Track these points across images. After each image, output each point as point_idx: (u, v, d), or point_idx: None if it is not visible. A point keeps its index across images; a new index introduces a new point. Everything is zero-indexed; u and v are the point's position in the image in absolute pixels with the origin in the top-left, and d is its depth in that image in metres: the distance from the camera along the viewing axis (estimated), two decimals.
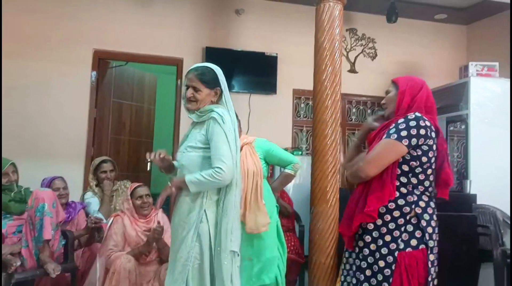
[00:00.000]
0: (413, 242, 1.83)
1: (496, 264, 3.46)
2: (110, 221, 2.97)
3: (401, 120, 1.89)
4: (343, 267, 2.07)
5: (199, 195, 2.01)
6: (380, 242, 1.85)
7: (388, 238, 1.84)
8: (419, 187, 1.89)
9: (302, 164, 2.96)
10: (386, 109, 2.06)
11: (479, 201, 3.84)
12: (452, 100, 4.64)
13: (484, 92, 4.40)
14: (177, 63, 4.91)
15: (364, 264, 1.89)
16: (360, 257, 1.92)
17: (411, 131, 1.84)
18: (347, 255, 2.06)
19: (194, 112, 2.11)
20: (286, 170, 2.83)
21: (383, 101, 2.10)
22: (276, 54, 5.14)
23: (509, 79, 4.51)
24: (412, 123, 1.85)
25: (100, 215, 3.46)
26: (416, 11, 5.42)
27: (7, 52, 4.27)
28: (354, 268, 1.98)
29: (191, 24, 5.01)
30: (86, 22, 4.68)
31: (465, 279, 3.48)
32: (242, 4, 5.11)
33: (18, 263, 2.73)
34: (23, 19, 4.49)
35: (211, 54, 4.84)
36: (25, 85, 4.44)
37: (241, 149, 2.54)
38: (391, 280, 1.79)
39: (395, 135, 1.85)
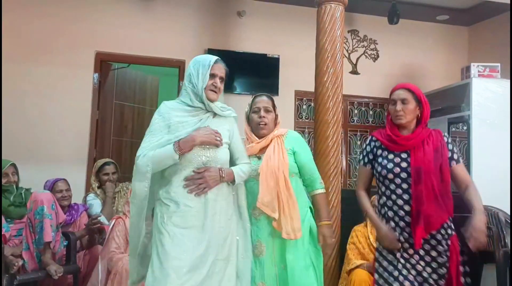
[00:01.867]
0: (453, 226, 2.18)
1: (498, 265, 3.44)
2: (112, 223, 2.97)
3: (449, 140, 2.21)
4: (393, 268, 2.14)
5: (231, 196, 2.08)
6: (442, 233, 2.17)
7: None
8: None
9: None
10: (403, 117, 2.16)
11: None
12: (454, 101, 4.64)
13: (486, 93, 4.39)
14: (179, 65, 4.92)
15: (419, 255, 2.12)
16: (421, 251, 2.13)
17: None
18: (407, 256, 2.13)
19: (214, 104, 2.05)
20: (318, 190, 2.36)
21: (399, 108, 2.15)
22: (278, 55, 5.15)
23: (509, 80, 4.50)
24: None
25: (102, 218, 3.47)
26: (417, 13, 5.42)
27: (10, 56, 4.29)
28: (402, 261, 2.12)
29: (193, 26, 5.02)
30: (88, 24, 4.69)
31: (467, 280, 3.46)
32: (244, 6, 5.12)
33: (20, 263, 2.73)
34: (25, 22, 4.51)
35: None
36: (27, 87, 4.45)
37: (270, 142, 2.35)
38: (446, 263, 2.11)
39: (460, 159, 2.22)
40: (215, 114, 2.07)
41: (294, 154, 2.35)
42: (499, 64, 4.53)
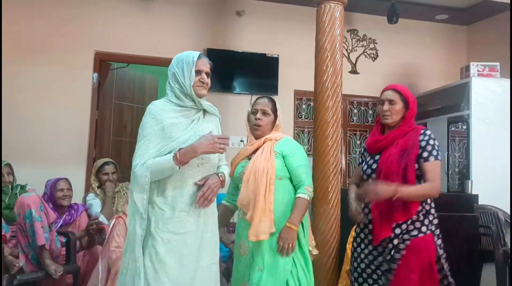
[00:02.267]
0: (423, 229, 2.12)
1: (498, 264, 3.46)
2: (112, 222, 2.97)
3: (430, 137, 2.16)
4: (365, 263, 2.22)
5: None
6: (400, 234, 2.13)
7: (405, 231, 2.13)
8: None
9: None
10: (389, 117, 2.21)
11: (481, 201, 3.83)
12: (453, 100, 4.64)
13: (485, 92, 4.40)
14: None
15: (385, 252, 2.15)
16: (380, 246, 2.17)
17: (437, 145, 2.19)
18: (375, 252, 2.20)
19: (203, 101, 2.02)
20: (298, 194, 2.30)
21: (386, 109, 2.20)
22: (277, 55, 5.15)
23: (509, 79, 4.51)
24: (435, 138, 2.18)
25: (102, 217, 3.47)
26: (417, 12, 5.42)
27: (9, 56, 4.28)
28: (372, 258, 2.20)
29: (192, 25, 5.02)
30: (87, 24, 4.69)
31: (467, 279, 3.47)
32: (243, 5, 5.12)
33: (21, 264, 2.72)
34: (24, 22, 4.50)
35: (213, 55, 4.84)
36: (26, 87, 4.45)
37: (261, 145, 2.35)
38: (398, 262, 2.09)
39: (439, 157, 2.15)
40: (204, 113, 2.04)
41: (283, 157, 2.33)
42: (498, 63, 4.53)
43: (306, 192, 2.29)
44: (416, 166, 2.13)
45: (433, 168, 2.11)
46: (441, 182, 2.12)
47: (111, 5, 4.79)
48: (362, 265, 2.22)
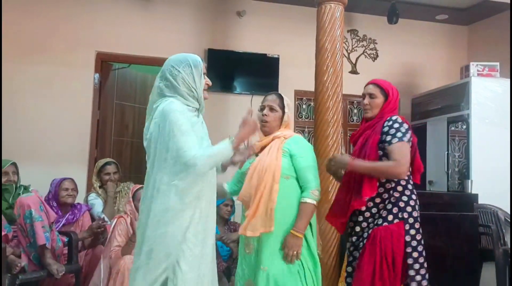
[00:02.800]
0: (389, 217, 2.07)
1: (498, 263, 3.47)
2: (114, 222, 2.99)
3: (393, 121, 2.12)
4: (348, 253, 2.28)
5: None
6: (365, 224, 2.15)
7: (370, 219, 2.13)
8: None
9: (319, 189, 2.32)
10: (369, 111, 2.24)
11: (481, 200, 3.85)
12: (453, 100, 4.66)
13: (485, 92, 4.41)
14: None
15: (357, 241, 2.18)
16: (354, 235, 2.20)
17: (406, 128, 2.12)
18: (350, 241, 2.26)
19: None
20: (303, 198, 2.23)
21: (366, 102, 2.23)
22: (278, 55, 5.16)
23: (509, 79, 4.52)
24: (403, 123, 2.13)
25: (103, 217, 3.48)
26: (417, 12, 5.43)
27: (10, 56, 4.30)
28: (352, 248, 2.24)
29: (193, 26, 5.03)
30: (88, 25, 4.70)
31: (466, 278, 3.48)
32: (244, 6, 5.13)
33: (23, 263, 2.73)
34: (25, 22, 4.52)
35: (213, 56, 4.86)
36: (27, 88, 4.46)
37: (270, 142, 2.32)
38: (362, 254, 2.08)
39: (405, 138, 2.07)
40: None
41: (291, 157, 2.27)
42: (498, 63, 4.54)
43: (311, 196, 2.22)
44: (381, 153, 2.10)
45: (396, 148, 2.04)
46: (406, 162, 2.04)
47: (112, 6, 4.81)
48: (347, 252, 2.30)
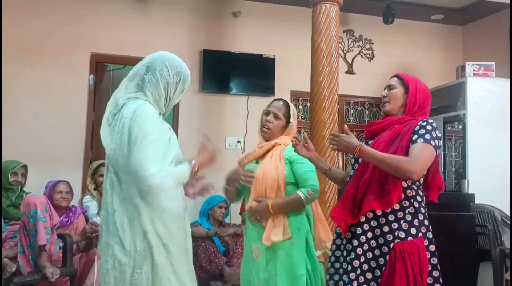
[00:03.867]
0: (413, 230, 1.83)
1: (494, 263, 3.47)
2: None
3: (427, 124, 1.89)
4: (331, 254, 2.02)
5: None
6: (378, 231, 1.85)
7: (386, 228, 1.84)
8: (417, 182, 1.91)
9: (318, 194, 2.30)
10: (388, 105, 2.00)
11: (477, 200, 3.85)
12: (449, 100, 4.66)
13: (481, 92, 4.42)
14: None
15: (359, 251, 1.86)
16: (355, 243, 1.87)
17: (438, 136, 1.89)
18: (338, 242, 2.00)
19: None
20: (298, 191, 2.24)
21: (384, 94, 2.02)
22: (274, 56, 5.15)
23: (505, 79, 4.53)
24: (437, 129, 1.90)
25: (98, 219, 3.45)
26: (412, 12, 5.44)
27: (4, 58, 4.26)
28: (345, 253, 1.94)
29: (188, 27, 5.02)
30: (82, 26, 4.68)
31: (464, 278, 3.48)
32: (239, 6, 5.12)
33: (13, 269, 2.72)
34: (19, 24, 4.49)
35: (209, 56, 4.84)
36: (21, 89, 4.43)
37: (271, 149, 2.33)
38: (383, 269, 1.79)
39: (433, 142, 1.85)
40: None
41: (290, 163, 2.28)
42: (493, 63, 4.55)
43: (305, 193, 2.22)
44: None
45: (418, 148, 1.81)
46: (424, 163, 1.81)
47: (107, 7, 4.78)
48: (332, 259, 2.00)
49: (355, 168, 1.99)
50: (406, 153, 1.83)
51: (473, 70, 4.52)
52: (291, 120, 2.37)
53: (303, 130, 5.32)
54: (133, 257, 1.70)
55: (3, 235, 2.91)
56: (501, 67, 4.72)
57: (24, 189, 3.30)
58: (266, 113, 2.38)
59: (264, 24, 5.19)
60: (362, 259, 1.84)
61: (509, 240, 3.63)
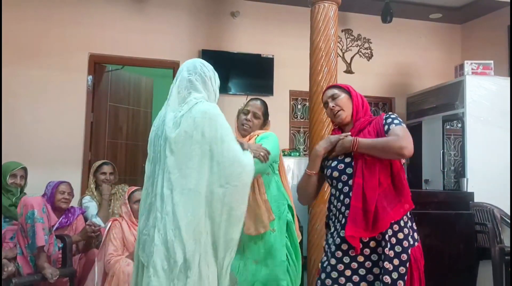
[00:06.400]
0: (415, 235, 1.83)
1: (494, 261, 3.48)
2: (108, 225, 2.96)
3: (389, 115, 1.91)
4: (326, 263, 1.84)
5: None
6: (394, 240, 1.77)
7: (400, 235, 1.78)
8: None
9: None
10: (342, 112, 1.95)
11: (477, 199, 3.85)
12: (448, 99, 4.66)
13: (480, 90, 4.42)
14: (173, 66, 4.91)
15: (387, 265, 1.74)
16: (374, 258, 1.77)
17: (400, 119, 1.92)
18: (339, 254, 1.81)
19: None
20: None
21: (332, 106, 1.96)
22: (272, 55, 5.15)
23: (503, 78, 4.53)
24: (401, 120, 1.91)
25: (98, 220, 3.45)
26: (410, 11, 5.44)
27: (3, 58, 4.26)
28: (355, 266, 1.79)
29: (187, 27, 5.02)
30: (81, 27, 4.68)
31: (463, 277, 3.49)
32: (238, 6, 5.12)
33: (10, 268, 2.72)
34: (18, 25, 4.49)
35: (207, 56, 4.84)
36: (20, 90, 4.43)
37: (248, 141, 2.41)
38: (405, 278, 1.73)
39: (403, 124, 1.88)
40: None
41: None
42: (492, 62, 4.55)
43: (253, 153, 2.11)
44: None
45: (397, 129, 1.82)
46: (409, 139, 1.78)
47: (105, 8, 4.78)
48: (329, 268, 1.82)
49: (342, 185, 1.84)
50: None
51: (472, 69, 4.52)
52: (269, 118, 2.58)
53: (302, 129, 5.34)
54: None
55: (2, 231, 2.91)
56: (500, 66, 4.73)
57: (25, 191, 3.30)
58: (245, 112, 2.51)
59: (262, 24, 5.19)
60: (377, 270, 1.77)
61: (508, 238, 3.64)
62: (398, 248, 1.76)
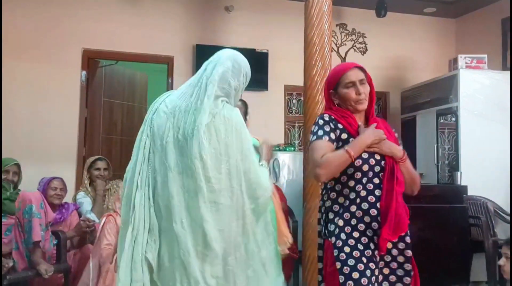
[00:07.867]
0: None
1: (487, 254, 3.51)
2: (103, 221, 2.95)
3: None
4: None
5: None
6: (409, 239, 1.83)
7: (408, 240, 1.83)
8: None
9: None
10: (366, 102, 1.85)
11: (470, 192, 3.87)
12: (442, 92, 4.67)
13: (474, 84, 4.43)
14: (168, 61, 4.88)
15: (394, 266, 1.80)
16: (387, 259, 1.81)
17: None
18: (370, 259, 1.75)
19: None
20: None
21: (362, 91, 1.83)
22: (267, 50, 5.14)
23: (497, 72, 4.55)
24: None
25: (92, 215, 3.45)
26: (405, 5, 5.44)
27: None
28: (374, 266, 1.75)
29: (181, 22, 4.99)
30: (74, 21, 4.64)
31: (457, 269, 3.51)
32: (232, 1, 5.10)
33: (10, 264, 2.71)
34: (11, 20, 4.44)
35: (202, 51, 4.81)
36: (13, 86, 4.39)
37: None
38: (411, 274, 1.78)
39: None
40: None
41: None
42: (486, 55, 4.56)
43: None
44: None
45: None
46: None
47: (99, 2, 4.75)
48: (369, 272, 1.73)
49: (367, 181, 1.76)
50: None
51: (466, 63, 4.53)
52: (247, 117, 2.73)
53: (297, 124, 5.35)
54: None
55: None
56: (493, 59, 4.74)
57: (19, 187, 3.29)
58: None
59: (257, 18, 5.17)
60: (394, 273, 1.80)
61: (501, 231, 3.66)
62: (401, 246, 1.80)
